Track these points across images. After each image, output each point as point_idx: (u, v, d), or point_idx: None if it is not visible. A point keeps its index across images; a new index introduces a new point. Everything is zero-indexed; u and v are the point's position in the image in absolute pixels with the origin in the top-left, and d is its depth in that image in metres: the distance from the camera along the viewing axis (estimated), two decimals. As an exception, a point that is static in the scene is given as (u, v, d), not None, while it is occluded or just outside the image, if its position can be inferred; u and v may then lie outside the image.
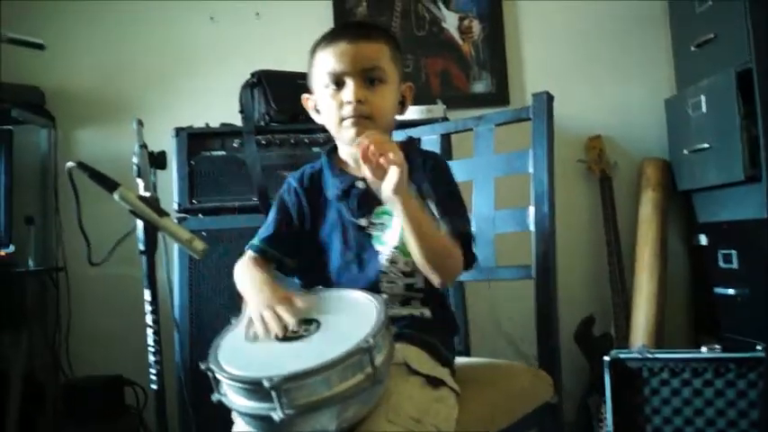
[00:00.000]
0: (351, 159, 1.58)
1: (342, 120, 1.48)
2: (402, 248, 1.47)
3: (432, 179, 1.50)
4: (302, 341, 1.16)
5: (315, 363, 1.06)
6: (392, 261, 1.47)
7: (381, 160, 1.29)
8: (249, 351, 1.21)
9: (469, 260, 1.49)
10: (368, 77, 1.47)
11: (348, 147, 1.55)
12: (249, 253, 1.54)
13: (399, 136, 1.79)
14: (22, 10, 3.16)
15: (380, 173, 1.30)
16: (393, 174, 1.29)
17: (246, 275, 1.46)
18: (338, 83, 1.48)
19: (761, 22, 2.45)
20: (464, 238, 1.47)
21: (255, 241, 1.56)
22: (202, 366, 1.16)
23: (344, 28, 1.55)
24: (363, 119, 1.47)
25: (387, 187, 1.31)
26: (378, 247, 1.49)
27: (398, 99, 1.56)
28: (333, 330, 1.18)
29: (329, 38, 1.50)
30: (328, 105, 1.50)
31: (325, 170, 1.59)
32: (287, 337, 1.17)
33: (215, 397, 1.17)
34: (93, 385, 2.77)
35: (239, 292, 1.43)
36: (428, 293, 1.50)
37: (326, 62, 1.48)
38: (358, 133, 1.47)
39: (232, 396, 1.15)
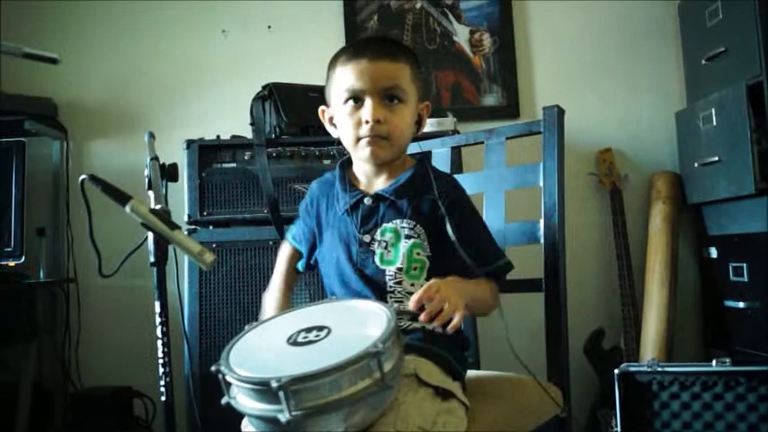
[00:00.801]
0: (363, 176, 1.58)
1: (359, 139, 1.49)
2: (407, 271, 1.48)
3: (458, 217, 1.49)
4: (313, 345, 1.17)
5: (323, 365, 1.06)
6: (397, 281, 1.48)
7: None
8: (260, 354, 1.22)
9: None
10: (387, 96, 1.47)
11: (362, 163, 1.56)
12: (286, 244, 1.71)
13: (412, 148, 1.80)
14: (34, 22, 3.19)
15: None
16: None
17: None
18: (357, 100, 1.48)
19: (771, 36, 2.45)
20: (504, 271, 1.56)
21: (289, 236, 1.70)
22: (213, 368, 1.16)
23: (367, 44, 1.53)
24: (380, 139, 1.48)
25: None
26: (381, 265, 1.49)
27: (415, 118, 1.56)
28: (343, 336, 1.19)
29: (350, 54, 1.50)
30: (346, 122, 1.51)
31: (337, 183, 1.60)
32: (298, 342, 1.18)
33: (224, 400, 1.18)
34: (103, 396, 2.77)
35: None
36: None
37: (346, 78, 1.48)
38: (373, 153, 1.49)
39: (241, 398, 1.16)
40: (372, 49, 1.49)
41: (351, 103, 1.48)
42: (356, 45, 1.54)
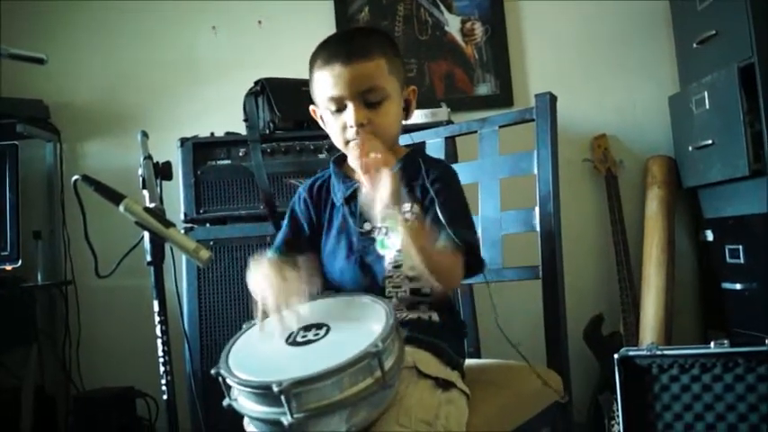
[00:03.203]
0: (358, 167, 1.58)
1: (347, 142, 1.50)
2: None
3: (436, 189, 1.48)
4: (312, 345, 1.17)
5: (323, 367, 1.06)
6: (396, 265, 1.48)
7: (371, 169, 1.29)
8: (259, 356, 1.22)
9: (476, 267, 1.48)
10: (367, 97, 1.46)
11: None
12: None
13: (404, 140, 1.80)
14: (25, 24, 3.18)
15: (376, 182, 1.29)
16: (384, 184, 1.28)
17: (259, 270, 1.42)
18: (338, 105, 1.47)
19: (762, 18, 2.45)
20: (468, 246, 1.43)
21: (270, 252, 1.56)
22: (213, 371, 1.16)
23: (338, 46, 1.49)
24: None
25: (380, 197, 1.28)
26: (381, 251, 1.49)
27: (402, 106, 1.55)
28: (342, 335, 1.18)
29: (324, 58, 1.47)
30: (332, 126, 1.51)
31: (332, 176, 1.60)
32: (297, 341, 1.18)
33: (226, 402, 1.18)
34: (105, 398, 2.78)
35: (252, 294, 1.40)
36: (434, 298, 1.50)
37: (324, 85, 1.47)
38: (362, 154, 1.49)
39: (243, 401, 1.16)
40: (344, 50, 1.46)
41: (333, 108, 1.48)
42: (329, 46, 1.49)
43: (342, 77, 1.44)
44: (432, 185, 1.49)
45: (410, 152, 1.60)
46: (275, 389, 1.04)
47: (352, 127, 1.46)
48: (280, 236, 1.64)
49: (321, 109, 1.54)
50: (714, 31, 2.73)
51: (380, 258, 1.49)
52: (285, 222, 1.65)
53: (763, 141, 2.45)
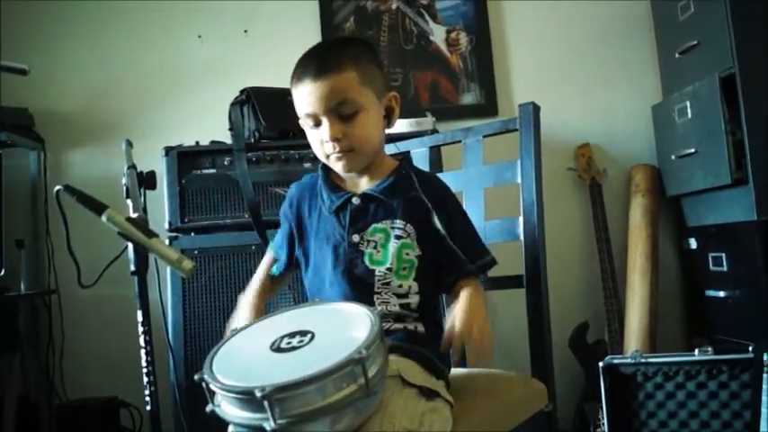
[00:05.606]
0: (346, 178, 1.58)
1: (327, 155, 1.50)
2: (396, 271, 1.47)
3: (445, 213, 1.51)
4: (296, 352, 1.16)
5: (307, 373, 1.06)
6: (385, 282, 1.47)
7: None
8: (243, 362, 1.21)
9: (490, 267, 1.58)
10: (340, 111, 1.45)
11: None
12: (269, 252, 1.68)
13: (389, 149, 1.80)
14: (10, 31, 3.17)
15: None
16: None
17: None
18: (314, 121, 1.47)
19: (742, 28, 2.49)
20: (490, 262, 1.55)
21: (272, 246, 1.68)
22: (196, 377, 1.16)
23: (308, 62, 1.48)
24: (346, 152, 1.47)
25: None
26: (371, 266, 1.48)
27: (383, 114, 1.54)
28: (327, 342, 1.18)
29: (298, 74, 1.47)
30: (311, 141, 1.52)
31: (321, 184, 1.60)
32: (281, 348, 1.18)
33: (209, 408, 1.17)
34: (88, 408, 2.76)
35: None
36: (422, 312, 1.50)
37: (299, 101, 1.47)
38: (345, 167, 1.50)
39: (226, 407, 1.15)
40: (314, 66, 1.45)
41: (311, 123, 1.48)
42: (302, 62, 1.49)
43: (313, 93, 1.44)
44: (434, 205, 1.50)
45: (400, 164, 1.59)
46: (258, 394, 1.03)
47: (328, 142, 1.46)
48: (277, 234, 1.68)
49: (302, 123, 1.54)
50: (696, 42, 2.76)
51: (369, 272, 1.48)
52: (282, 225, 1.67)
53: (745, 150, 2.48)
